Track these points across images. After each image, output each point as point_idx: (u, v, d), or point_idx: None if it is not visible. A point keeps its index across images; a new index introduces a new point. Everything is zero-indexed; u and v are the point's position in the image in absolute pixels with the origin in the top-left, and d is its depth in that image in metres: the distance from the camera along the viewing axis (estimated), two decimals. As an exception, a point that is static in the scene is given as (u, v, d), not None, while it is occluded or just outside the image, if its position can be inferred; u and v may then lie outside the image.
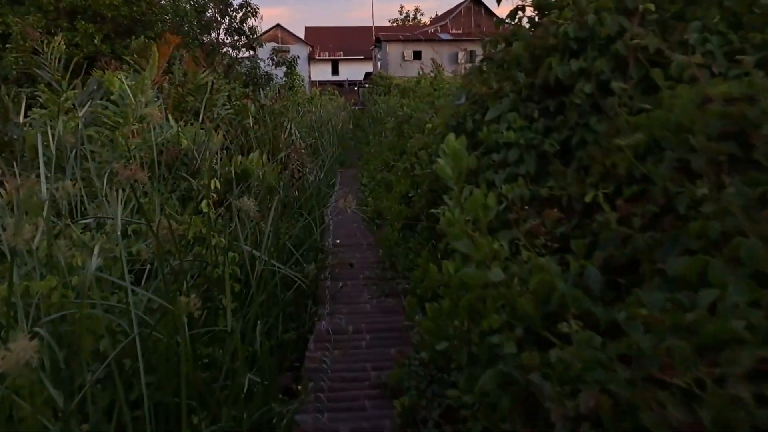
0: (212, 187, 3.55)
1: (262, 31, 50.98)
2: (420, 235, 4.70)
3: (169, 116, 7.75)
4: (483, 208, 1.82)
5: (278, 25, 51.72)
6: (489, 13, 42.60)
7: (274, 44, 16.63)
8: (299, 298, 4.37)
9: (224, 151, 7.81)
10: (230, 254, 3.23)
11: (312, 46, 53.06)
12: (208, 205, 3.32)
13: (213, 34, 13.45)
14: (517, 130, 2.86)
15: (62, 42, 5.78)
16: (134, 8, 14.80)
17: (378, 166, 8.25)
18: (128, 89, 5.12)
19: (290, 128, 11.10)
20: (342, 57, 54.80)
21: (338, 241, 6.14)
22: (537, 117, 2.91)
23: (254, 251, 3.51)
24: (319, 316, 4.29)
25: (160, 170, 4.08)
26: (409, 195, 5.33)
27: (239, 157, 5.28)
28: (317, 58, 53.94)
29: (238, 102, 10.84)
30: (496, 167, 2.90)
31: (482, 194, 1.83)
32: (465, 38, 40.89)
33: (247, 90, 11.25)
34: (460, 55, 39.61)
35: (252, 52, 17.96)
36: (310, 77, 50.36)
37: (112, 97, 5.34)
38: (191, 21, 13.37)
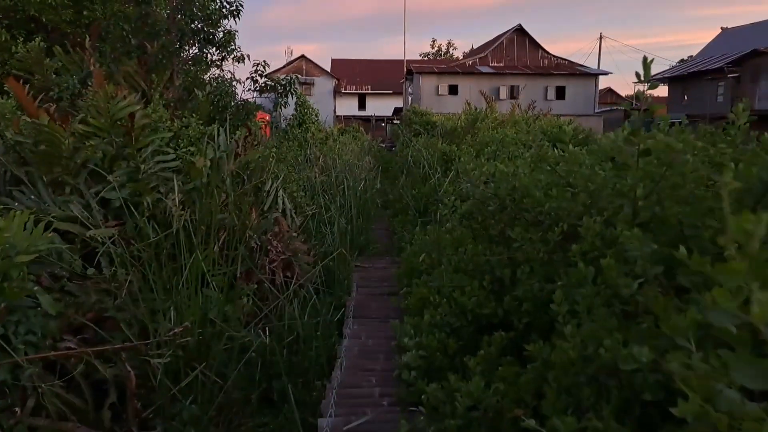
0: None
1: (287, 62, 47.46)
2: None
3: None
4: None
5: (303, 56, 48.34)
6: (534, 44, 38.20)
7: (254, 60, 10.01)
8: None
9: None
10: None
11: (338, 79, 49.39)
12: None
13: (162, 41, 8.63)
14: None
15: None
16: (84, 13, 10.64)
17: (435, 303, 3.55)
18: None
19: (275, 194, 6.56)
20: (369, 91, 51.01)
21: None
22: None
23: None
24: None
25: None
26: None
27: None
28: (343, 91, 50.24)
29: (189, 149, 6.40)
30: None
31: None
32: (508, 71, 36.47)
33: (209, 129, 6.81)
34: (502, 90, 35.17)
35: (261, 79, 12.22)
36: (335, 111, 46.53)
37: None
38: (121, 18, 8.82)
